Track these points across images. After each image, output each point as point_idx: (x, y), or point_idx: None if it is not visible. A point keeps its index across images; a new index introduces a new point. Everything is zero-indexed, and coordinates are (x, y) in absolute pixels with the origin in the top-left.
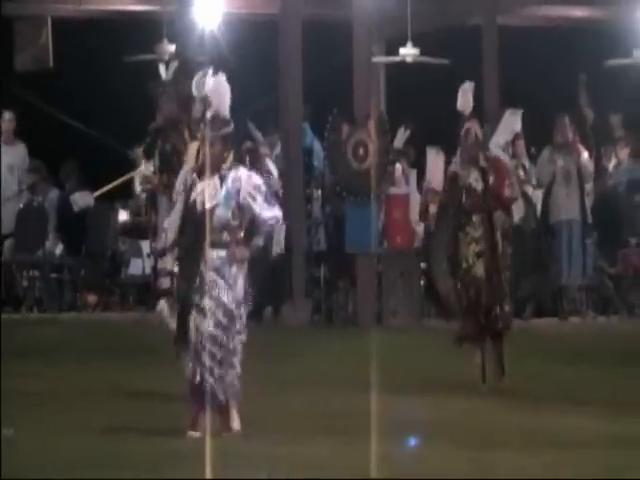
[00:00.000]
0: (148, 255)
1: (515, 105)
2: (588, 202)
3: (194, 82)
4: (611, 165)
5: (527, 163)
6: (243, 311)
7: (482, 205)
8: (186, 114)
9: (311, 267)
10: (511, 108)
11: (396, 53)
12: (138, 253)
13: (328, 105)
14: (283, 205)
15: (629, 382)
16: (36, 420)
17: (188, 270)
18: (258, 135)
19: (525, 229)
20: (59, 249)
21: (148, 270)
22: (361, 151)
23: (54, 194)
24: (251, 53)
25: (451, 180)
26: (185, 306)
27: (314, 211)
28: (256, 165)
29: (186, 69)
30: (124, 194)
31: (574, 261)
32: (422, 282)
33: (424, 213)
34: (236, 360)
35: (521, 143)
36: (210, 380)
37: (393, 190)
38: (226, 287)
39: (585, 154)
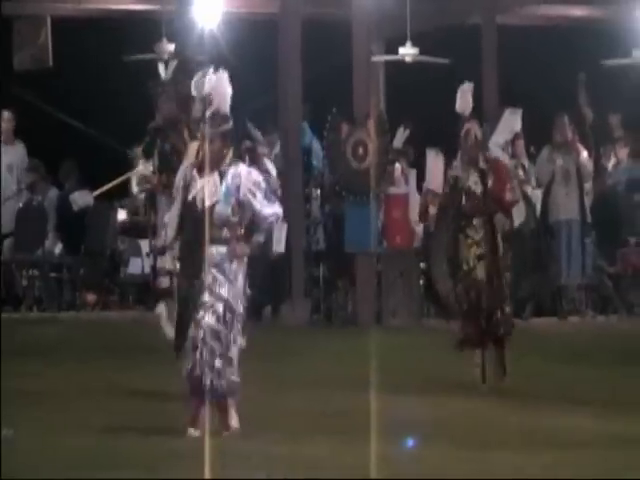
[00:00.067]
0: (147, 254)
1: (514, 104)
2: (587, 201)
3: (194, 82)
4: (610, 165)
5: (526, 163)
6: (243, 307)
7: (482, 208)
8: (185, 114)
9: (310, 267)
10: (510, 107)
11: (395, 52)
12: (137, 252)
13: (327, 104)
14: (282, 205)
15: (628, 381)
16: (35, 419)
17: (189, 268)
18: (257, 134)
19: (524, 229)
20: (58, 248)
21: (147, 269)
22: (360, 150)
23: (53, 193)
24: (250, 52)
25: (452, 184)
26: (185, 305)
27: (313, 210)
28: (254, 164)
29: (185, 68)
30: (123, 193)
31: (573, 261)
32: (421, 282)
33: (424, 214)
34: (235, 356)
35: (520, 143)
36: (210, 375)
37: (392, 190)
38: (226, 282)
39: (584, 153)
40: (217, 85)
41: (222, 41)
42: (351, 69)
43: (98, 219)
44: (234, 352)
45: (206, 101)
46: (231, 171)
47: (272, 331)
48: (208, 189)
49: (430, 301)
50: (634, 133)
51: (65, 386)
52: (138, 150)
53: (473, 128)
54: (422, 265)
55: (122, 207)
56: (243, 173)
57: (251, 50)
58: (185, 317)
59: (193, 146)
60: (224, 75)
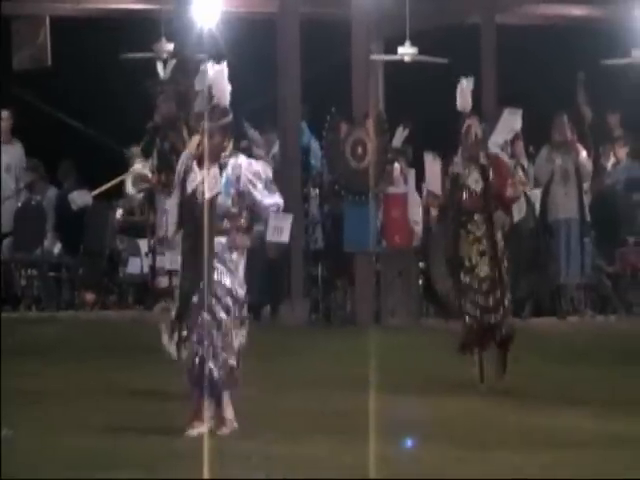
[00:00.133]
0: (146, 254)
1: (513, 104)
2: (586, 201)
3: (197, 76)
4: (609, 164)
5: (526, 163)
6: (244, 297)
7: (483, 204)
8: (184, 112)
9: (309, 266)
10: (509, 107)
11: (395, 52)
12: (136, 252)
13: (326, 104)
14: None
15: (627, 381)
16: (34, 419)
17: (190, 260)
18: (254, 135)
19: (523, 228)
20: (57, 248)
21: (146, 269)
22: (359, 150)
23: (52, 193)
24: (249, 52)
25: (452, 180)
26: (187, 298)
27: (311, 210)
28: None
29: (184, 68)
30: (122, 193)
31: (572, 260)
32: (420, 281)
33: (427, 214)
34: (237, 345)
35: (520, 143)
36: (212, 363)
37: (391, 189)
38: (227, 272)
39: (583, 153)
40: (216, 78)
41: (221, 40)
42: (350, 68)
43: (97, 219)
44: (236, 342)
45: (206, 94)
46: (231, 162)
47: (271, 331)
48: (208, 181)
49: (429, 301)
50: (633, 133)
51: (64, 386)
52: (135, 150)
53: (474, 125)
54: (421, 265)
55: (117, 207)
56: (243, 164)
57: (250, 49)
58: (186, 310)
59: (194, 138)
60: (223, 68)
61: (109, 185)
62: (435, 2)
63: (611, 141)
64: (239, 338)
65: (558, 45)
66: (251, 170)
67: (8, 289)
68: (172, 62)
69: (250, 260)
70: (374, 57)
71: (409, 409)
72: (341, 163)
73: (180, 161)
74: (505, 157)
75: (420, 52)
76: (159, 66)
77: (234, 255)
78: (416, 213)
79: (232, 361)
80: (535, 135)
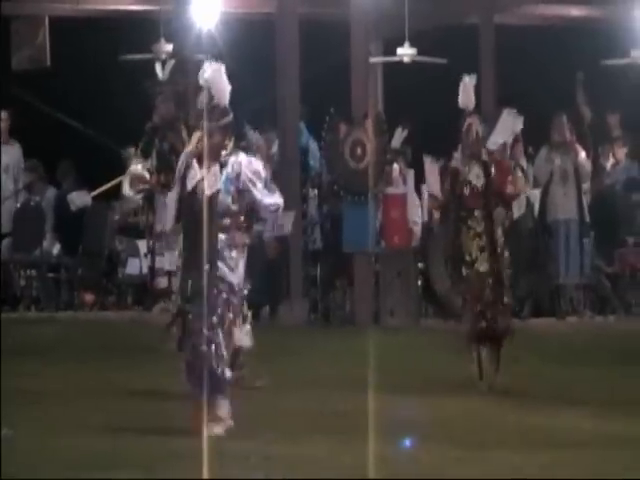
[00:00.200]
0: (145, 255)
1: (512, 104)
2: (585, 201)
3: (200, 72)
4: (608, 164)
5: (525, 164)
6: (245, 294)
7: (483, 201)
8: (183, 113)
9: (308, 266)
10: (508, 108)
11: (393, 52)
12: (135, 252)
13: (325, 104)
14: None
15: (627, 381)
16: (34, 419)
17: (191, 257)
18: (255, 137)
19: (522, 228)
20: (56, 248)
21: (145, 270)
22: (358, 151)
23: (51, 193)
24: (248, 52)
25: (452, 175)
26: (187, 296)
27: (310, 210)
28: None
29: (183, 68)
30: (120, 194)
31: (571, 260)
32: (419, 282)
33: (429, 216)
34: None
35: (519, 145)
36: (213, 361)
37: (390, 190)
38: (227, 269)
39: (583, 153)
40: (214, 78)
41: (220, 41)
42: (349, 69)
43: (96, 219)
44: (239, 338)
45: (204, 92)
46: (231, 160)
47: (270, 331)
48: (208, 179)
49: (428, 301)
50: (632, 133)
51: (63, 386)
52: (131, 150)
53: (475, 123)
54: (420, 265)
55: (116, 208)
56: (244, 162)
57: (249, 50)
58: (187, 308)
59: (196, 135)
60: (220, 67)
61: (108, 186)
62: (434, 3)
63: (610, 141)
64: (243, 335)
65: (557, 45)
66: (251, 169)
67: (7, 289)
68: (171, 63)
69: (249, 260)
70: (373, 58)
71: (408, 409)
72: (340, 163)
73: (181, 159)
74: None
75: (419, 53)
76: (157, 67)
77: (234, 253)
78: (415, 213)
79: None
80: (534, 135)
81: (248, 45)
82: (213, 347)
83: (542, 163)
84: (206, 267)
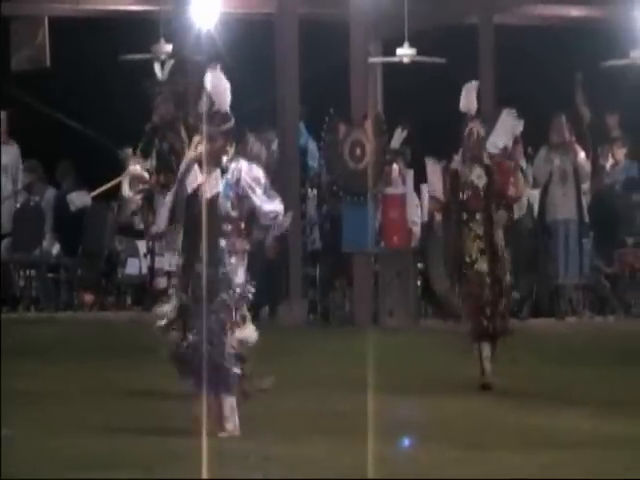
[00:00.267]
0: (145, 255)
1: (512, 105)
2: (585, 202)
3: (206, 76)
4: (608, 165)
5: (524, 165)
6: (244, 302)
7: (484, 204)
8: (183, 113)
9: (307, 267)
10: (508, 108)
11: (393, 53)
12: (135, 253)
13: (325, 105)
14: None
15: (626, 382)
16: (33, 419)
17: (190, 261)
18: (256, 146)
19: (522, 228)
20: (56, 249)
21: (145, 270)
22: (358, 151)
23: (51, 194)
24: (247, 53)
25: (452, 177)
26: (186, 299)
27: (309, 211)
28: None
29: (182, 68)
30: (119, 195)
31: (571, 261)
32: (419, 282)
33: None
34: (236, 343)
35: (519, 147)
36: (215, 350)
37: (390, 190)
38: (226, 275)
39: (582, 154)
40: (215, 84)
41: (219, 41)
42: (348, 69)
43: (95, 220)
44: (236, 338)
45: (205, 97)
46: (232, 166)
47: (269, 331)
48: (208, 182)
49: (427, 301)
50: (631, 133)
51: (63, 386)
52: (128, 151)
53: (476, 127)
54: (419, 265)
55: (115, 209)
56: (244, 168)
57: (248, 50)
58: (187, 310)
59: (197, 140)
60: (219, 72)
61: (108, 186)
62: (433, 3)
63: (609, 142)
64: (244, 336)
65: (556, 46)
66: (251, 175)
67: (7, 290)
68: (170, 63)
69: (249, 260)
70: (372, 59)
71: (407, 409)
72: (339, 164)
73: (182, 164)
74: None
75: (418, 53)
76: (156, 67)
77: (233, 259)
78: (414, 214)
79: (232, 364)
80: (533, 136)
81: (248, 45)
82: (217, 346)
83: (541, 163)
84: (206, 270)
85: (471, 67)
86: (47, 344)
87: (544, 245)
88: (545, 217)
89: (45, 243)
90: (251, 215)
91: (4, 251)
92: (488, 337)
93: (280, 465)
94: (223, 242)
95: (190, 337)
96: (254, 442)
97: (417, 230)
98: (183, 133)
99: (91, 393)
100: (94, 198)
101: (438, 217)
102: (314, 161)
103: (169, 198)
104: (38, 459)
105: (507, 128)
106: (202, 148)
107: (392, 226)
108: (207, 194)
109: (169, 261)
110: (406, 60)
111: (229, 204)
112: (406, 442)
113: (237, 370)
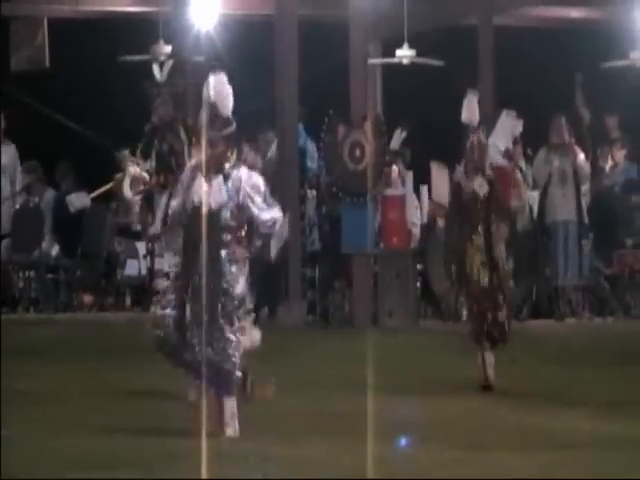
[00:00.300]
0: (144, 256)
1: (511, 106)
2: (584, 203)
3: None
4: (607, 166)
5: (524, 165)
6: (243, 311)
7: (484, 215)
8: (182, 114)
9: (306, 268)
10: (507, 109)
11: (392, 54)
12: (134, 254)
13: (324, 106)
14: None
15: (625, 382)
16: (33, 420)
17: (190, 270)
18: (251, 156)
19: (521, 230)
20: (55, 250)
21: (144, 271)
22: (357, 152)
23: (50, 195)
24: (247, 54)
25: (454, 191)
26: (184, 308)
27: (308, 211)
28: None
29: (182, 69)
30: (118, 196)
31: (570, 262)
32: (418, 283)
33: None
34: (236, 348)
35: (518, 147)
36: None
37: (389, 191)
38: (227, 285)
39: (581, 155)
40: (217, 87)
41: (218, 42)
42: (348, 71)
43: (95, 221)
44: (235, 343)
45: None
46: (233, 174)
47: (269, 332)
48: (213, 192)
49: (427, 302)
50: (631, 135)
51: (62, 386)
52: (125, 152)
53: (478, 138)
54: (419, 266)
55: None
56: (244, 176)
57: (247, 51)
58: (185, 318)
59: (199, 146)
60: (223, 77)
61: (107, 187)
62: (433, 4)
63: (609, 143)
64: (245, 341)
65: (556, 47)
66: (250, 183)
67: (6, 291)
68: (169, 64)
69: (250, 262)
70: (372, 60)
71: (407, 410)
72: (339, 165)
73: (185, 171)
74: (504, 162)
75: (418, 54)
76: (155, 68)
77: (234, 268)
78: (414, 215)
79: (234, 367)
80: (533, 137)
81: (247, 46)
82: (217, 347)
83: (541, 164)
84: (206, 279)
85: (470, 68)
86: (46, 345)
87: (543, 246)
88: (544, 218)
89: (44, 244)
90: (250, 224)
91: (3, 252)
92: (489, 344)
93: (280, 465)
94: (223, 252)
95: (189, 337)
96: (254, 442)
97: (416, 231)
98: (182, 134)
99: (90, 393)
100: (93, 199)
101: (441, 223)
102: (313, 162)
103: (164, 200)
104: (38, 459)
105: (507, 129)
106: (205, 154)
107: (391, 227)
108: (212, 205)
109: (169, 262)
110: (405, 61)
111: (228, 213)
112: (406, 442)
113: (238, 373)
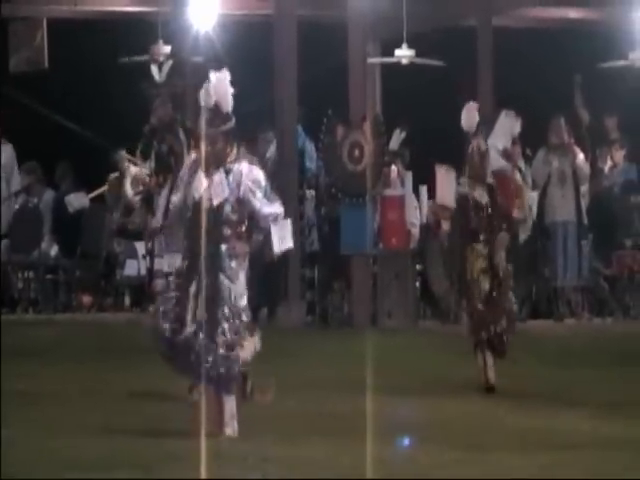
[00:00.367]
0: (143, 256)
1: (510, 106)
2: (583, 203)
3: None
4: (606, 167)
5: (523, 166)
6: (244, 306)
7: (486, 223)
8: (181, 114)
9: (305, 268)
10: (506, 110)
11: (391, 54)
12: (133, 254)
13: (323, 106)
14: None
15: (625, 383)
16: (32, 420)
17: (192, 264)
18: (248, 158)
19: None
20: (54, 250)
21: (143, 271)
22: (356, 153)
23: (49, 195)
24: (246, 54)
25: (460, 203)
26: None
27: (307, 212)
28: None
29: (181, 70)
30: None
31: (569, 262)
32: (417, 283)
33: (435, 227)
34: (236, 347)
35: (517, 147)
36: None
37: (388, 191)
38: (226, 280)
39: (580, 156)
40: (218, 85)
41: (217, 43)
42: (347, 71)
43: (94, 221)
44: (243, 351)
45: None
46: (234, 168)
47: (268, 333)
48: (214, 188)
49: (426, 302)
50: (630, 135)
51: (62, 387)
52: (123, 152)
53: (478, 144)
54: (418, 267)
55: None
56: (244, 171)
57: (246, 52)
58: (186, 315)
59: (199, 142)
60: (224, 75)
61: (105, 188)
62: (432, 4)
63: (608, 144)
64: (248, 347)
65: (555, 48)
66: (251, 177)
67: (5, 291)
68: (168, 64)
69: (250, 259)
70: (371, 60)
71: (406, 410)
72: (338, 166)
73: (184, 166)
74: (502, 163)
75: (417, 54)
76: (154, 69)
77: (233, 263)
78: (413, 215)
79: (234, 364)
80: (532, 137)
81: (246, 47)
82: (217, 344)
83: (540, 165)
84: (206, 276)
85: (469, 69)
86: (46, 345)
87: (543, 247)
88: (544, 219)
89: (44, 245)
90: (251, 218)
91: (3, 252)
92: (489, 349)
93: (279, 466)
94: (224, 246)
95: (186, 331)
96: (253, 443)
97: (416, 231)
98: (181, 135)
99: (90, 394)
100: (92, 200)
101: (445, 225)
102: (312, 162)
103: (165, 195)
104: (37, 459)
105: (506, 129)
106: (206, 150)
107: (391, 227)
108: (214, 200)
109: (168, 262)
110: (405, 61)
111: (229, 208)
112: (405, 443)
113: (237, 370)
